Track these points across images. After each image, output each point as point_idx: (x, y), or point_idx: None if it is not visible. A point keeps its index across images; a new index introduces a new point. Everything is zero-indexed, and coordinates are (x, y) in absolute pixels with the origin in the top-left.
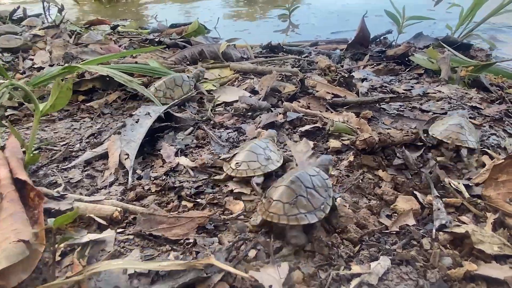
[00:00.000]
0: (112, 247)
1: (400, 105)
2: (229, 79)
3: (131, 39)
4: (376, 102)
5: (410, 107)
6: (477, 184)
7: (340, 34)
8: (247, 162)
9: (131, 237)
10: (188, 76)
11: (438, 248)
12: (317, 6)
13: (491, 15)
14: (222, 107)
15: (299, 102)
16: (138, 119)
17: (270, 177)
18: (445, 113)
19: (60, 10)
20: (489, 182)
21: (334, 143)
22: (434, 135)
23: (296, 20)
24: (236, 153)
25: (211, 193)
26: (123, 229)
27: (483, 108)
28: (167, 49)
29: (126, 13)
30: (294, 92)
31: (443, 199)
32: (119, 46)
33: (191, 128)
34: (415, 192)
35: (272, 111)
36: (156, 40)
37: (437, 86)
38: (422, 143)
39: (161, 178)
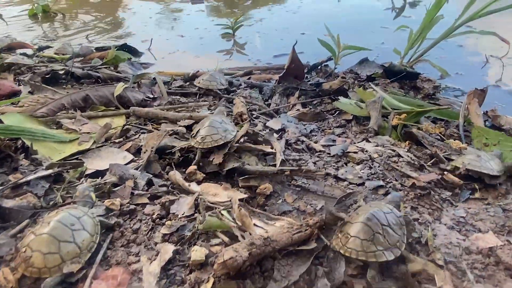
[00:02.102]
0: None
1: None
2: (114, 133)
3: (34, 71)
4: (275, 174)
5: (322, 174)
6: None
7: (281, 59)
8: (210, 135)
9: None
10: None
11: None
12: (264, 24)
13: (442, 38)
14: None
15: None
16: None
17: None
18: (362, 184)
19: None
20: None
21: (197, 253)
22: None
23: (240, 38)
24: (198, 129)
25: None
26: None
27: (412, 175)
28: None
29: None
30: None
31: None
32: (19, 81)
33: (27, 221)
34: None
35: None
36: (61, 72)
37: (362, 140)
38: (316, 246)
39: None
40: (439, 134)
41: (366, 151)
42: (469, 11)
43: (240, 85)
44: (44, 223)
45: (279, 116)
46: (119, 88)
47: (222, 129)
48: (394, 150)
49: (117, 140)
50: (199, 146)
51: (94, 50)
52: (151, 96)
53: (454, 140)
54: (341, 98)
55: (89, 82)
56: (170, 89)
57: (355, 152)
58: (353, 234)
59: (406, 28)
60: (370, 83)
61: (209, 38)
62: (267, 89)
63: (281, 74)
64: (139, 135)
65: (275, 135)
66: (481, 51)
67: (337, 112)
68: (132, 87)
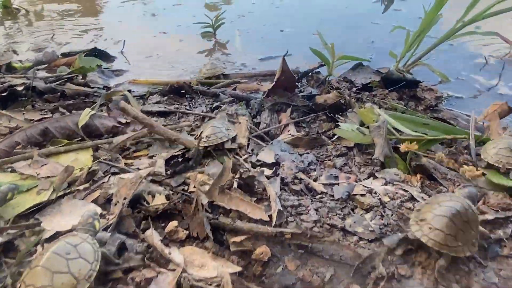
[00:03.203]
0: None
1: (314, 222)
2: (80, 176)
3: None
4: (274, 236)
5: (328, 224)
6: None
7: (268, 63)
8: (214, 134)
9: None
10: None
11: None
12: (247, 20)
13: (442, 40)
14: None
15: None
16: None
17: None
18: (376, 240)
19: None
20: None
21: None
22: None
23: (221, 38)
24: (201, 131)
25: None
26: None
27: None
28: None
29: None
30: (166, 207)
31: None
32: None
33: None
34: None
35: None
36: (20, 88)
37: (368, 176)
38: None
39: None
40: (453, 167)
41: (375, 192)
42: (469, 12)
43: (226, 98)
44: (40, 256)
45: (271, 143)
46: (84, 117)
47: (225, 128)
48: (406, 191)
49: (82, 187)
50: (205, 144)
51: (60, 56)
52: (124, 120)
53: (467, 166)
54: (341, 124)
55: (54, 98)
56: (144, 104)
57: (362, 195)
58: (438, 227)
59: (403, 29)
60: (368, 93)
61: (189, 39)
62: (255, 103)
63: (270, 87)
64: (109, 177)
65: (269, 171)
66: (482, 53)
67: (336, 136)
68: (100, 110)
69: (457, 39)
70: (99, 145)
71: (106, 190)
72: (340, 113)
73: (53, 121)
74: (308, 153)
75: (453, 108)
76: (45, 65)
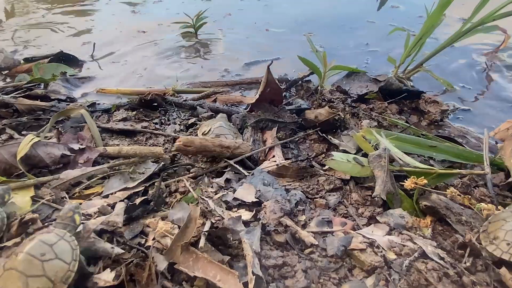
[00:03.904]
0: None
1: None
2: (13, 225)
3: None
4: None
5: None
6: None
7: (254, 69)
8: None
9: None
10: None
11: None
12: (233, 19)
13: (448, 44)
14: None
15: None
16: None
17: None
18: None
19: None
20: None
21: None
22: None
23: (203, 39)
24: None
25: None
26: None
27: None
28: None
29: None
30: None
31: None
32: None
33: None
34: None
35: None
36: None
37: (368, 222)
38: None
39: None
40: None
41: (377, 247)
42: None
43: (204, 111)
44: (14, 256)
45: (252, 174)
46: (24, 146)
47: (233, 131)
48: (415, 243)
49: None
50: None
51: (22, 61)
52: (77, 147)
53: (485, 203)
54: (334, 154)
55: (6, 113)
56: (109, 120)
57: (362, 250)
58: None
59: (403, 31)
60: (364, 105)
61: (166, 40)
62: (237, 119)
63: (253, 101)
64: (52, 226)
65: (247, 214)
66: (486, 56)
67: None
68: (48, 137)
69: (460, 41)
70: (43, 182)
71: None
72: (333, 131)
73: None
74: (295, 188)
75: (460, 124)
76: (5, 72)
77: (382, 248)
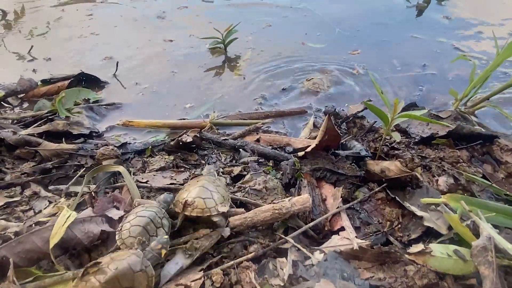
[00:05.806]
0: None
1: None
2: None
3: None
4: None
5: None
6: None
7: (292, 94)
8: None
9: None
10: None
11: None
12: (268, 33)
13: None
14: None
15: None
16: None
17: None
18: None
19: None
20: None
21: None
22: None
23: (234, 54)
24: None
25: None
26: None
27: None
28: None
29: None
30: None
31: None
32: None
33: None
34: None
35: None
36: None
37: None
38: None
39: None
40: None
41: None
42: None
43: (247, 155)
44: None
45: (326, 259)
46: (58, 229)
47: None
48: None
49: None
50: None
51: (40, 83)
52: (116, 216)
53: None
54: (432, 247)
55: (27, 154)
56: (144, 170)
57: None
58: None
59: (467, 60)
60: (432, 153)
61: (195, 55)
62: (287, 167)
63: (308, 149)
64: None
65: None
66: None
67: (409, 232)
68: (84, 208)
69: None
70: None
71: None
72: (403, 187)
73: (13, 244)
74: (381, 281)
75: None
76: (21, 95)
77: None
